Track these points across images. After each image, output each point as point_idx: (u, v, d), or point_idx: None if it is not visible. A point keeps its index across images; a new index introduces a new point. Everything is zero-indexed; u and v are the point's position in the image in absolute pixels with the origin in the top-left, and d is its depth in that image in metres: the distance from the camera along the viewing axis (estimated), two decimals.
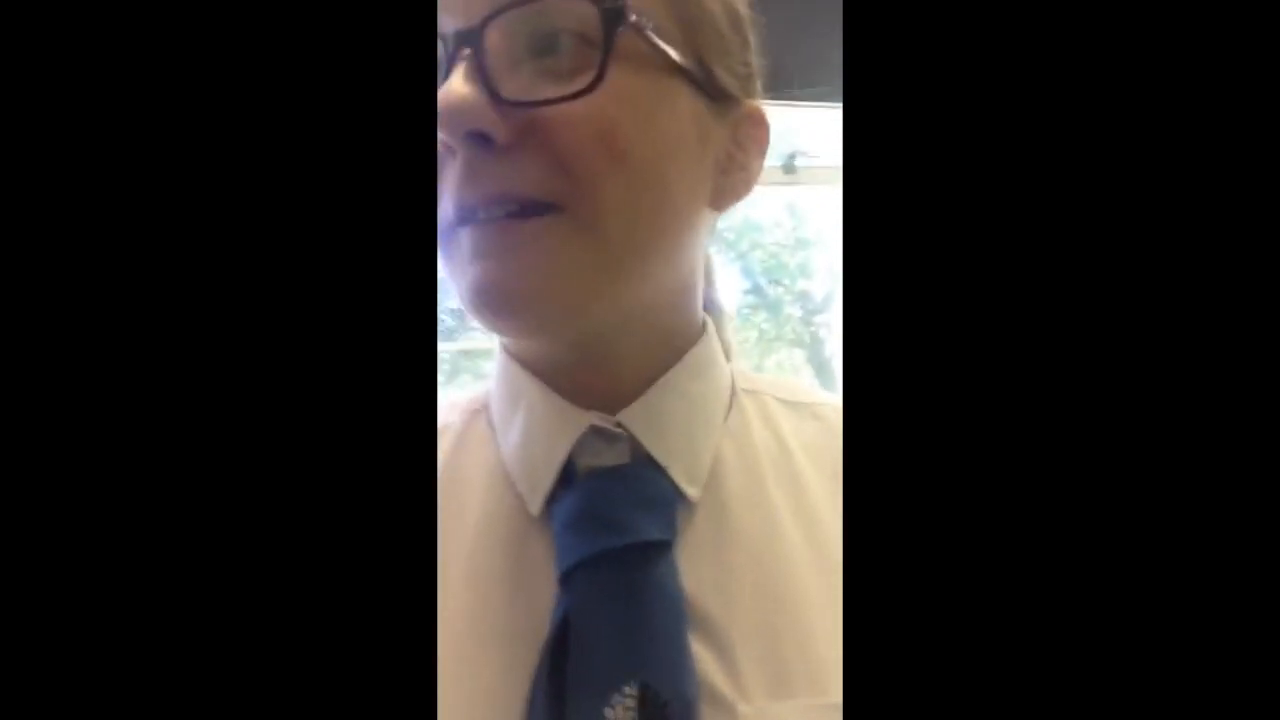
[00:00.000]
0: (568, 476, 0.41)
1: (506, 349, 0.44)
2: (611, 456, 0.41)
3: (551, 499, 0.40)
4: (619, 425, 0.41)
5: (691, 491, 0.41)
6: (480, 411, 0.46)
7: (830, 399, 0.48)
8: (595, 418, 0.41)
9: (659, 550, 0.39)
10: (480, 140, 0.34)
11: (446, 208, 0.37)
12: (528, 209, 0.35)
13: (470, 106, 0.33)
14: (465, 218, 0.36)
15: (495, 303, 0.36)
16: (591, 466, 0.41)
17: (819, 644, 0.38)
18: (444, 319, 1.82)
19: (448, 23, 0.35)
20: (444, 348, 1.87)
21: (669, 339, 0.43)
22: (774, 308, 2.86)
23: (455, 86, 0.33)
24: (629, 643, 0.37)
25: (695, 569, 0.39)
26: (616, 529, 0.38)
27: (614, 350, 0.41)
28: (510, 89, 0.34)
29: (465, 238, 0.36)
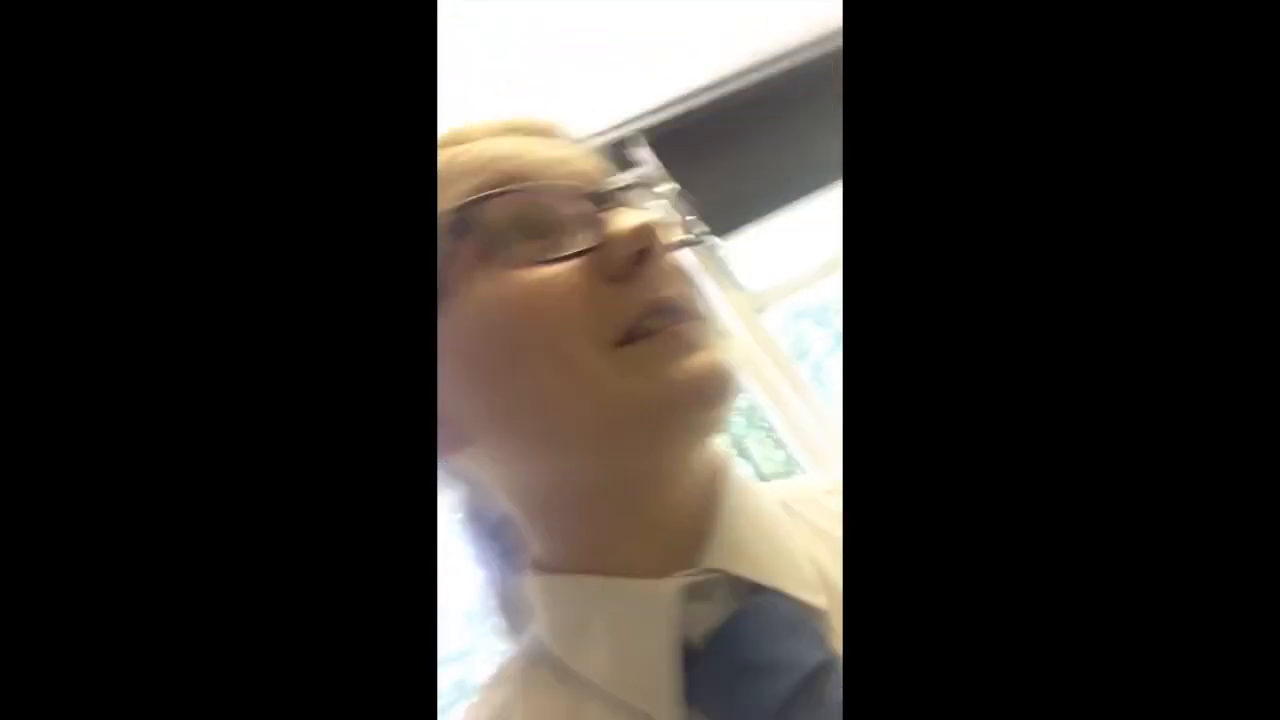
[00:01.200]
0: (689, 660, 0.37)
1: (542, 567, 0.42)
2: (719, 610, 0.38)
3: (687, 692, 0.37)
4: (711, 571, 0.38)
5: (819, 601, 0.39)
6: (534, 665, 0.43)
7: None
8: (684, 578, 0.38)
9: (836, 670, 0.36)
10: (645, 256, 0.39)
11: (602, 331, 0.38)
12: (686, 315, 0.40)
13: (653, 227, 0.39)
14: (632, 331, 0.38)
15: (726, 383, 0.38)
16: (707, 632, 0.37)
17: None
18: None
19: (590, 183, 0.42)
20: None
21: (709, 457, 0.42)
22: None
23: (634, 214, 0.40)
24: None
25: None
26: (783, 670, 0.36)
27: (673, 489, 0.40)
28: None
29: (639, 351, 0.38)
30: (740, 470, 0.45)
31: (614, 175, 0.44)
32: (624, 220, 0.39)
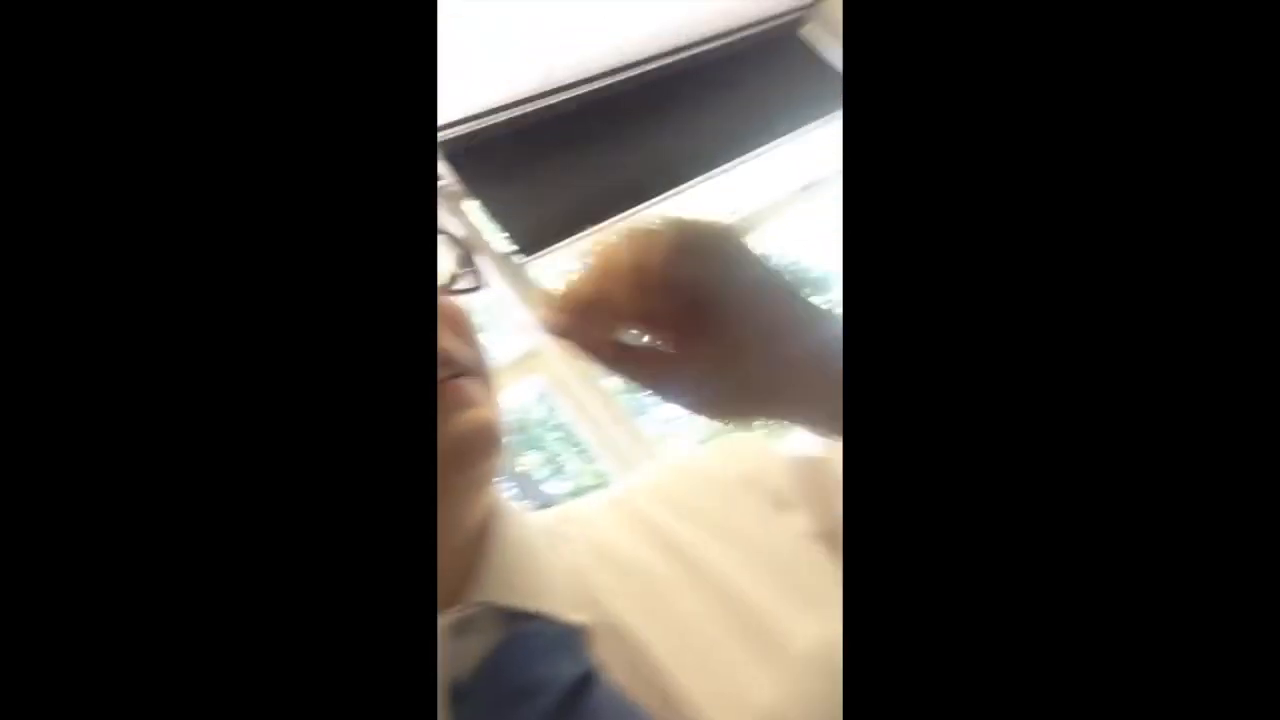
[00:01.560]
0: (459, 695, 0.38)
1: None
2: (487, 642, 0.39)
3: None
4: (477, 604, 0.39)
5: (578, 618, 0.41)
6: None
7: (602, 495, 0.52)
8: (448, 615, 0.39)
9: (595, 680, 0.37)
10: None
11: None
12: (457, 369, 0.40)
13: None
14: None
15: (493, 439, 0.40)
16: (475, 665, 0.38)
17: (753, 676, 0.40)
18: None
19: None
20: None
21: (482, 500, 0.43)
22: None
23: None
24: None
25: (629, 682, 0.39)
26: (544, 689, 0.36)
27: (446, 538, 0.40)
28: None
29: None
30: (514, 502, 0.46)
31: None
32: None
